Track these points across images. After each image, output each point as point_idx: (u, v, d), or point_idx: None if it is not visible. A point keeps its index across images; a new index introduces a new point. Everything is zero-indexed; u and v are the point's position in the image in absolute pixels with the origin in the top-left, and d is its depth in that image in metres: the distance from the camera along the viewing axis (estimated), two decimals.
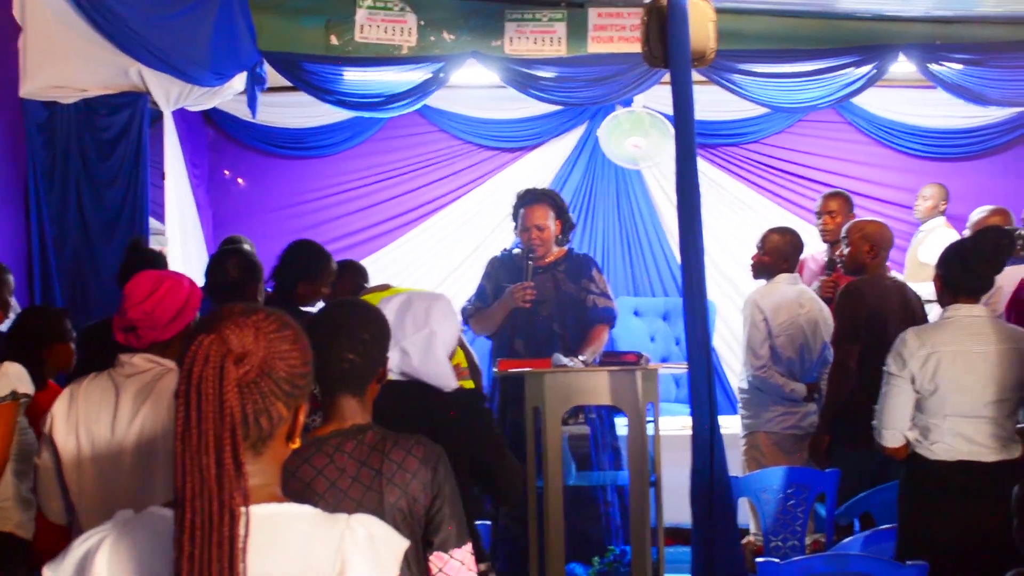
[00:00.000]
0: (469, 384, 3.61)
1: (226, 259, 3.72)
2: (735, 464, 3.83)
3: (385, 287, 4.29)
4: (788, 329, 4.75)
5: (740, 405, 4.97)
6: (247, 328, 1.37)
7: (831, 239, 5.33)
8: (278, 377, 1.38)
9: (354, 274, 4.85)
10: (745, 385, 4.89)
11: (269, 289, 4.13)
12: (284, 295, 4.05)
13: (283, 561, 1.34)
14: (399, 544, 1.43)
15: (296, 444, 1.45)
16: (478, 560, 2.57)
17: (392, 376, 2.56)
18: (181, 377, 1.32)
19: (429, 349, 2.64)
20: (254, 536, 1.30)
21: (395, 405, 2.39)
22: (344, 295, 4.32)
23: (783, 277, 4.86)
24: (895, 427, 3.41)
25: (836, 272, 5.06)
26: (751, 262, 4.94)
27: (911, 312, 4.50)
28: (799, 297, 4.85)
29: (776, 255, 4.86)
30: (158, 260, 4.19)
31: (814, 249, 5.64)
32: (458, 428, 2.62)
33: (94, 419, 2.47)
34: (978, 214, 5.21)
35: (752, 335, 4.75)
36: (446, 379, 2.68)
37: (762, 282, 4.95)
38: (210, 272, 3.79)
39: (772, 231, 4.96)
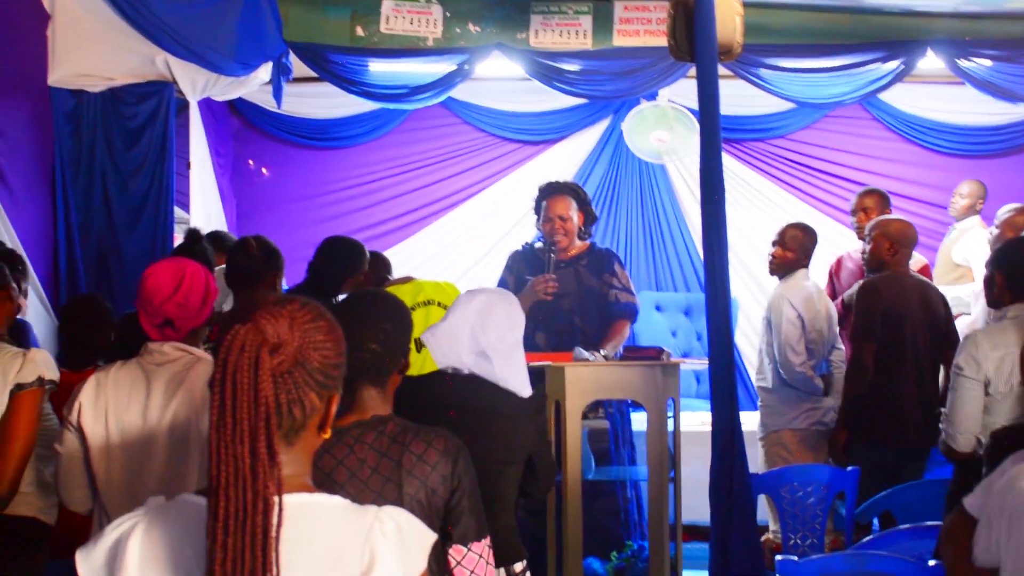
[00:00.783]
0: None
1: (248, 244, 3.76)
2: (755, 461, 3.82)
3: (408, 279, 4.29)
4: (817, 324, 4.74)
5: (761, 403, 4.93)
6: (282, 318, 1.38)
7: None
8: (312, 367, 1.38)
9: (378, 265, 4.86)
10: (769, 383, 4.86)
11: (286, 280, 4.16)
12: (324, 289, 4.06)
13: (313, 551, 1.35)
14: (428, 537, 1.43)
15: (327, 435, 1.46)
16: (517, 557, 2.58)
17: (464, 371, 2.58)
18: (217, 366, 1.33)
19: (514, 355, 2.65)
20: (286, 526, 1.30)
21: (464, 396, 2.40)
22: (368, 286, 4.33)
23: (802, 273, 4.84)
24: (969, 431, 3.36)
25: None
26: (772, 258, 4.91)
27: (931, 311, 4.47)
28: (818, 292, 4.85)
29: (800, 251, 4.84)
30: (204, 257, 4.24)
31: (849, 247, 5.59)
32: (524, 423, 2.63)
33: (124, 407, 2.49)
34: (1005, 213, 5.16)
35: (789, 332, 4.70)
36: (523, 387, 2.68)
37: (775, 279, 4.93)
38: (232, 260, 3.82)
39: (792, 226, 4.92)
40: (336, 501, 1.41)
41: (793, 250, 4.83)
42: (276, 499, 1.29)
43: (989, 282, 3.48)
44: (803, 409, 4.75)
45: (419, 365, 3.83)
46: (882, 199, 5.43)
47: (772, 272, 4.92)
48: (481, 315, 2.62)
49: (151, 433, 2.45)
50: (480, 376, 2.62)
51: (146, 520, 1.38)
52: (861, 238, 5.38)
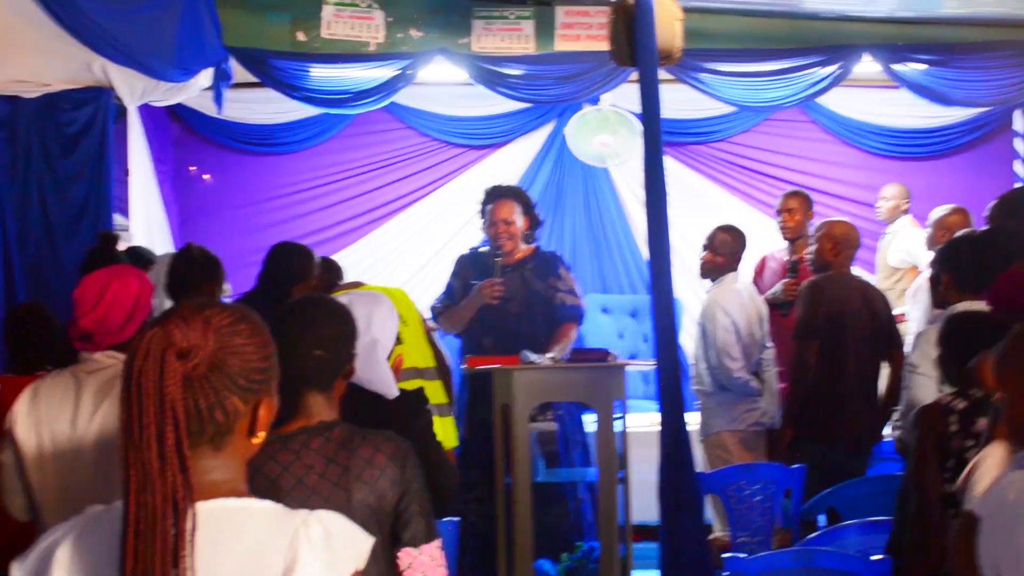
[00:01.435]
0: (416, 384, 3.56)
1: (190, 250, 3.71)
2: (700, 463, 3.86)
3: (357, 284, 4.27)
4: (751, 329, 4.81)
5: (699, 405, 4.98)
6: (195, 322, 1.36)
7: (791, 236, 5.38)
8: (231, 371, 1.36)
9: (329, 271, 4.81)
10: (707, 387, 4.91)
11: (232, 287, 4.11)
12: (274, 296, 4.01)
13: (232, 557, 1.33)
14: (361, 541, 1.42)
15: (259, 439, 1.44)
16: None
17: None
18: (124, 371, 1.32)
19: (372, 356, 2.57)
20: (204, 532, 1.29)
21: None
22: (317, 292, 4.29)
23: (731, 276, 4.92)
24: None
25: (799, 276, 5.11)
26: (702, 262, 4.97)
27: (872, 309, 4.56)
28: (749, 294, 4.93)
29: (730, 255, 4.91)
30: (118, 258, 4.15)
31: (774, 247, 5.68)
32: (400, 429, 2.59)
33: (55, 416, 2.46)
34: (938, 212, 5.27)
35: (725, 340, 4.76)
36: (388, 386, 2.62)
37: (708, 283, 5.00)
38: (173, 267, 3.77)
39: (721, 230, 4.98)
40: (265, 506, 1.39)
41: (723, 254, 4.91)
42: (187, 505, 1.27)
43: (935, 281, 3.54)
44: (741, 411, 4.81)
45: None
46: (805, 200, 5.52)
47: (703, 276, 5.01)
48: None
49: (79, 441, 2.43)
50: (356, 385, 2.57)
51: (77, 529, 1.36)
52: (786, 238, 5.47)
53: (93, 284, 2.51)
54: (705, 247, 4.94)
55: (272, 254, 4.23)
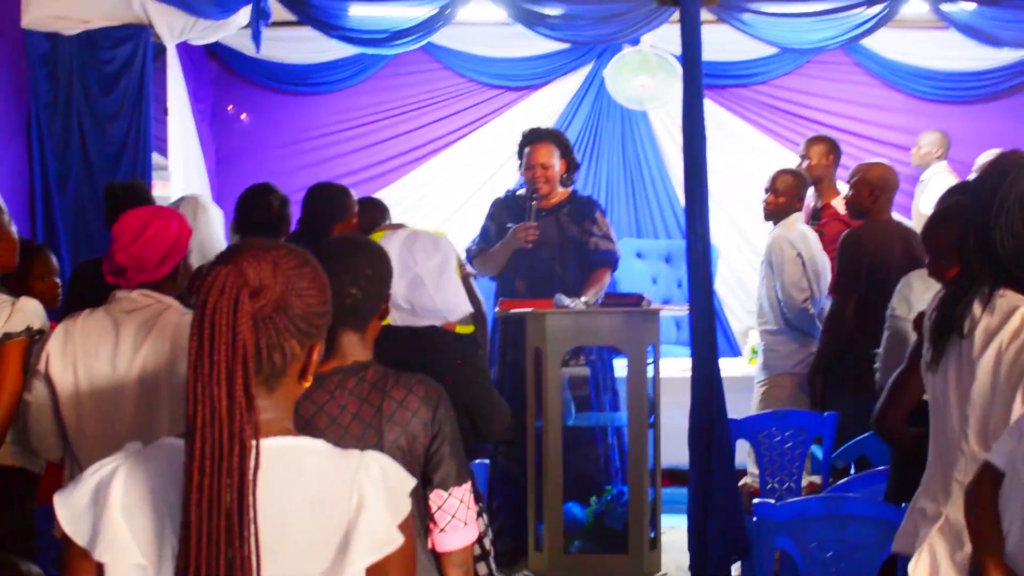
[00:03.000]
0: (466, 328, 3.61)
1: (266, 194, 3.75)
2: (734, 407, 3.85)
3: (399, 226, 4.27)
4: (815, 265, 4.78)
5: (765, 346, 4.96)
6: (265, 262, 1.36)
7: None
8: (294, 314, 1.37)
9: (374, 211, 4.70)
10: (773, 326, 4.88)
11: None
12: (313, 238, 4.04)
13: (297, 493, 1.35)
14: (410, 482, 1.43)
15: (308, 383, 1.45)
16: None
17: (396, 313, 2.56)
18: (196, 307, 1.31)
19: (444, 274, 2.64)
20: (267, 468, 1.30)
21: (392, 349, 2.38)
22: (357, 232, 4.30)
23: (796, 216, 4.89)
24: None
25: (821, 223, 5.08)
26: (765, 205, 4.93)
27: (912, 257, 4.49)
28: (814, 237, 4.90)
29: (792, 195, 4.88)
30: (138, 193, 4.12)
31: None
32: (458, 372, 2.63)
33: (93, 355, 2.47)
34: (985, 158, 5.17)
35: (791, 271, 4.74)
36: (461, 303, 2.68)
37: (755, 227, 4.96)
38: (247, 207, 3.81)
39: (783, 172, 4.97)
40: (319, 444, 1.41)
41: (786, 195, 4.87)
42: (253, 442, 1.28)
43: None
44: (804, 354, 4.79)
45: None
46: (828, 145, 5.43)
47: (767, 218, 4.96)
48: (406, 244, 2.63)
49: (121, 381, 2.44)
50: (414, 328, 2.62)
51: (127, 463, 1.37)
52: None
53: (134, 220, 2.52)
54: (767, 190, 4.91)
55: (311, 194, 4.24)
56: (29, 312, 2.76)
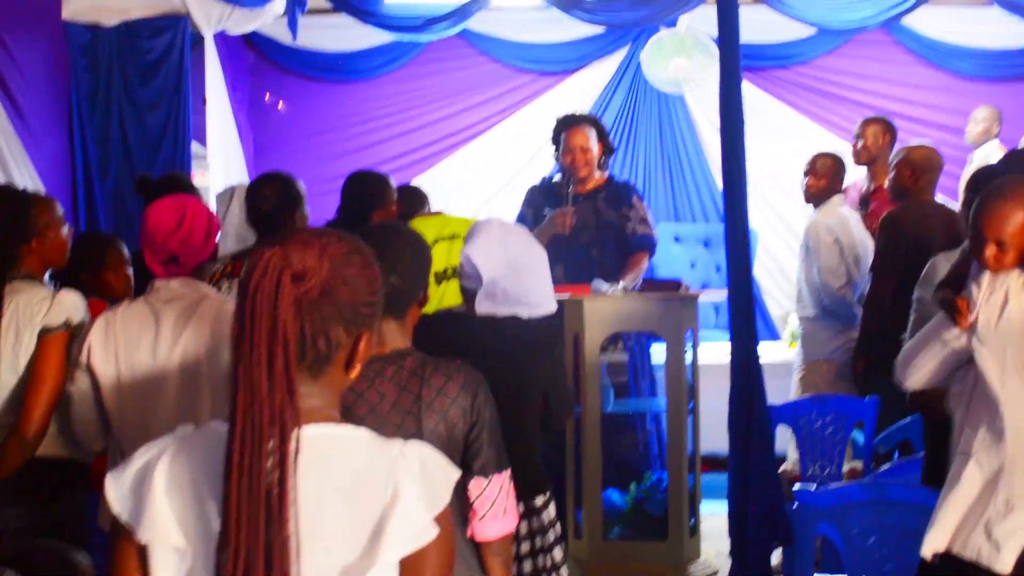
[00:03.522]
0: None
1: (263, 185, 3.73)
2: (773, 392, 3.82)
3: (436, 214, 4.27)
4: (854, 250, 4.73)
5: (802, 331, 4.92)
6: (312, 248, 1.36)
7: (862, 161, 5.22)
8: (340, 301, 1.37)
9: (413, 198, 4.71)
10: (810, 312, 4.84)
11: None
12: (353, 225, 4.04)
13: (335, 481, 1.35)
14: (452, 473, 1.43)
15: (355, 373, 1.44)
16: (539, 490, 2.62)
17: (484, 300, 2.59)
18: (240, 288, 1.32)
19: (538, 268, 2.69)
20: (307, 454, 1.30)
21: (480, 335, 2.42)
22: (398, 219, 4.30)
23: (837, 199, 4.83)
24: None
25: (871, 209, 5.01)
26: (805, 188, 4.88)
27: (954, 238, 4.42)
28: (856, 219, 4.84)
29: (832, 177, 4.82)
30: (178, 183, 4.15)
31: (857, 175, 5.53)
32: (542, 359, 2.67)
33: (134, 346, 2.49)
34: None
35: (828, 257, 4.70)
36: (549, 300, 2.71)
37: (795, 210, 4.90)
38: (249, 200, 3.81)
39: (821, 155, 4.91)
40: (362, 433, 1.40)
41: (826, 177, 4.82)
42: (293, 427, 1.29)
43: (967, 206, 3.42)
44: (842, 341, 4.74)
45: (438, 298, 3.84)
46: (883, 127, 5.31)
47: (807, 200, 4.91)
48: (503, 230, 2.67)
49: (161, 371, 2.46)
50: (498, 316, 2.63)
51: (174, 445, 1.39)
52: (858, 163, 5.30)
53: (167, 210, 2.54)
54: (806, 172, 4.86)
55: (350, 181, 4.25)
56: (68, 305, 2.78)
